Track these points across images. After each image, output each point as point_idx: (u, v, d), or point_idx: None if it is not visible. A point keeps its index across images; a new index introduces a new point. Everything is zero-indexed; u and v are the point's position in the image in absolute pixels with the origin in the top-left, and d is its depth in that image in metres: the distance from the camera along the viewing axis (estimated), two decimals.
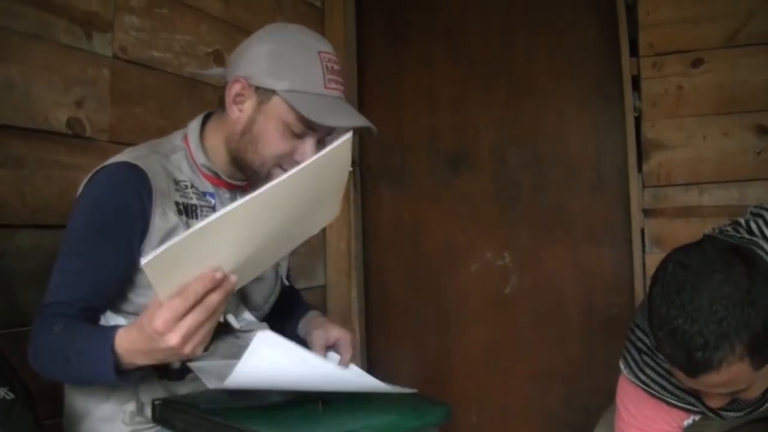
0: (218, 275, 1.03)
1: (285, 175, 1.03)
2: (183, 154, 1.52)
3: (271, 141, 1.45)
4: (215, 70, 1.58)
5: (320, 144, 1.49)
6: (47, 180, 1.85)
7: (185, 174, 1.50)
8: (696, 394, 1.40)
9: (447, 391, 2.88)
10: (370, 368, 2.97)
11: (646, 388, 1.49)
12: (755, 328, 1.18)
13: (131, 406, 1.39)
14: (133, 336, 1.13)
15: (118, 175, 1.41)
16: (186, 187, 1.48)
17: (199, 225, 0.98)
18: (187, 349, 1.07)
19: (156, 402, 1.31)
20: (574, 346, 2.81)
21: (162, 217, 1.40)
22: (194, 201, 1.47)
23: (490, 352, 2.92)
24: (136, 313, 1.41)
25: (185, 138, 1.55)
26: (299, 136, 1.45)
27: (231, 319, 1.54)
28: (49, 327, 1.28)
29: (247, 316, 1.58)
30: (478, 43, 3.01)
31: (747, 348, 1.18)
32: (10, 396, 1.25)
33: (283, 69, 1.42)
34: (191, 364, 1.30)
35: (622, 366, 1.55)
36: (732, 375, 1.20)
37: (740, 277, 1.21)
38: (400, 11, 3.15)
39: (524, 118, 2.93)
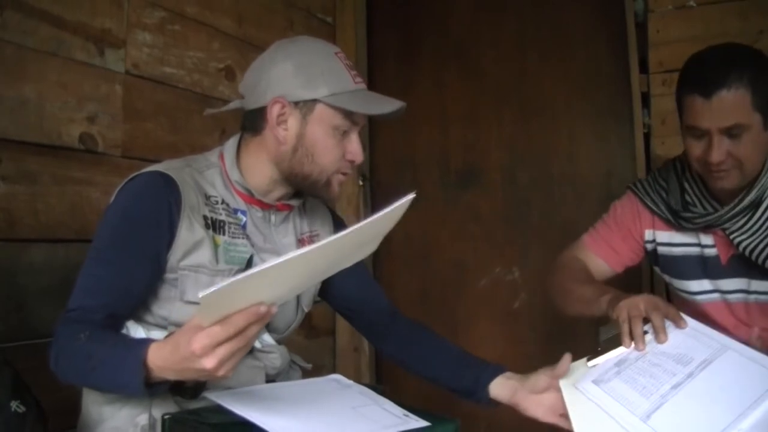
0: (263, 310, 1.05)
1: (351, 228, 1.08)
2: (218, 171, 1.53)
3: (326, 147, 1.48)
4: (233, 104, 1.60)
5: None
6: (60, 195, 1.87)
7: (218, 190, 1.51)
8: (668, 203, 1.78)
9: (455, 406, 2.86)
10: (378, 382, 2.97)
11: (635, 188, 1.88)
12: (759, 74, 1.55)
13: (143, 420, 1.40)
14: (167, 353, 1.14)
15: (149, 185, 1.43)
16: (216, 202, 1.49)
17: (263, 267, 1.01)
18: (220, 373, 1.09)
19: (165, 416, 1.31)
20: None
21: (188, 230, 1.42)
22: (223, 217, 1.48)
23: None
24: (157, 325, 1.43)
25: (221, 156, 1.56)
26: (345, 134, 1.50)
27: None
28: (74, 333, 1.28)
29: (267, 338, 1.57)
30: (488, 61, 3.02)
31: (750, 81, 1.53)
32: (22, 409, 1.26)
33: (315, 78, 1.46)
34: (210, 395, 1.30)
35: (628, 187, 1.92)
36: (739, 99, 1.53)
37: (752, 52, 1.62)
38: (411, 29, 3.17)
39: (535, 136, 2.93)
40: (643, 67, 2.67)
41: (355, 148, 1.52)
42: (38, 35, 1.82)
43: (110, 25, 2.02)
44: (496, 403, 1.60)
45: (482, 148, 3.02)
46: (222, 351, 1.06)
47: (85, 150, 1.94)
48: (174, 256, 1.41)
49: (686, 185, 1.77)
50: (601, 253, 1.91)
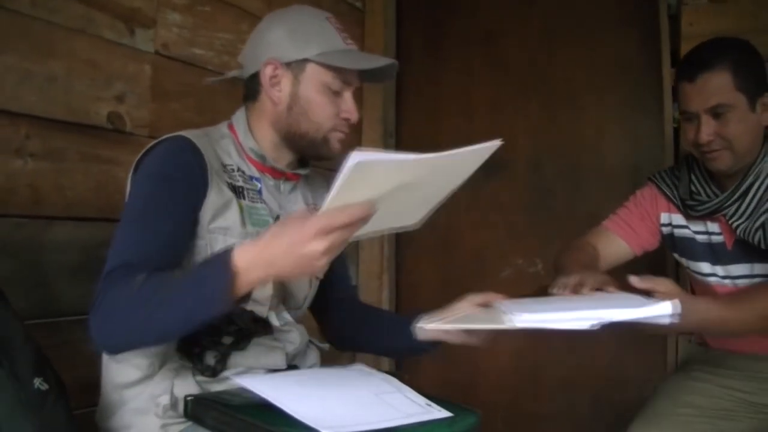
0: (373, 209, 1.12)
1: (449, 152, 1.20)
2: (230, 141, 1.58)
3: (319, 104, 1.54)
4: (232, 73, 1.64)
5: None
6: (86, 173, 1.87)
7: (233, 159, 1.55)
8: (680, 191, 1.91)
9: (474, 396, 2.86)
10: (398, 369, 2.97)
11: (654, 179, 2.01)
12: (741, 57, 1.72)
13: (165, 400, 1.39)
14: (261, 246, 1.18)
15: (177, 148, 1.45)
16: (233, 170, 1.53)
17: (411, 156, 1.09)
18: (323, 261, 1.15)
19: (188, 398, 1.31)
20: (603, 356, 2.79)
21: (217, 191, 1.44)
22: (241, 183, 1.52)
23: (518, 359, 2.90)
24: None
25: (230, 127, 1.61)
26: (338, 94, 1.55)
27: (272, 317, 1.55)
28: (125, 283, 1.25)
29: (286, 315, 1.59)
30: (516, 51, 3.00)
31: (732, 63, 1.69)
32: (45, 386, 1.26)
33: (306, 39, 1.52)
34: (232, 374, 1.30)
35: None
36: (722, 81, 1.69)
37: (737, 40, 1.78)
38: (439, 17, 3.15)
39: (561, 127, 2.91)
40: (675, 61, 2.64)
41: (349, 107, 1.56)
42: (67, 12, 1.82)
43: (140, 5, 2.01)
44: (432, 344, 1.69)
45: (508, 137, 2.92)
46: (333, 236, 1.12)
47: (113, 129, 1.94)
48: (204, 217, 1.43)
49: (692, 176, 1.91)
50: (621, 232, 2.04)
